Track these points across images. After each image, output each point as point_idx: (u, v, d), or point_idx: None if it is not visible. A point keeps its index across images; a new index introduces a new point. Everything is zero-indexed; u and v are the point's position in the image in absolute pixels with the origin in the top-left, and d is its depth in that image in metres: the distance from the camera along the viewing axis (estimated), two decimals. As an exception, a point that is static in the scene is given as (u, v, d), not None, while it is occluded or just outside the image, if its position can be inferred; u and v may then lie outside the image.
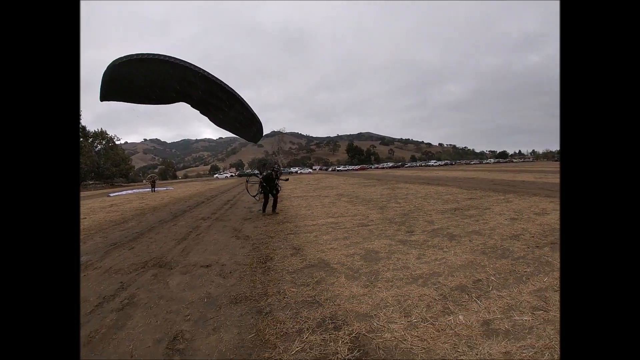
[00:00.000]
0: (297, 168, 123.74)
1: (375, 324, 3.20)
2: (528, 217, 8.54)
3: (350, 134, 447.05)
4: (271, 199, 11.78)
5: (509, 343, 2.79)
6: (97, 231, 10.00)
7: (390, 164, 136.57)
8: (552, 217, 8.38)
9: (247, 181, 14.67)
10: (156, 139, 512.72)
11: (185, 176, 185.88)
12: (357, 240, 6.83)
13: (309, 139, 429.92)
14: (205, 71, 8.60)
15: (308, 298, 3.93)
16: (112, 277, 5.33)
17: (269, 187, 11.48)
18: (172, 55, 7.97)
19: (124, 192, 35.48)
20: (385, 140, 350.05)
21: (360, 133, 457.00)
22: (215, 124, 12.25)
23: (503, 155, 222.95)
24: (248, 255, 6.15)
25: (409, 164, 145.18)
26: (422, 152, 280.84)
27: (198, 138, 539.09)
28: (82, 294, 4.54)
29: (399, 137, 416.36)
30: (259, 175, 12.22)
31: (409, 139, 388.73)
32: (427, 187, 20.21)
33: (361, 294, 3.97)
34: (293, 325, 3.25)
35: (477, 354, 2.62)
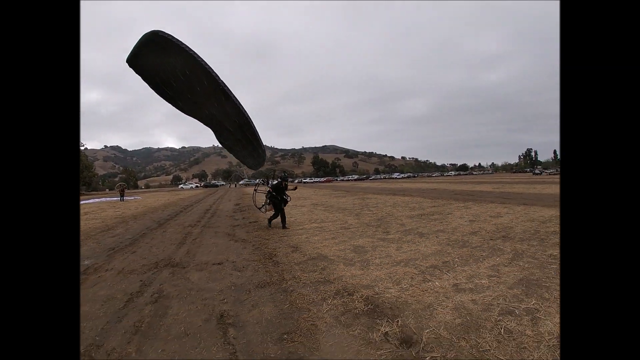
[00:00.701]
0: (262, 180, 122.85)
1: (377, 290, 4.40)
2: (484, 219, 10.16)
3: (315, 147, 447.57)
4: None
5: (473, 295, 4.06)
6: (86, 237, 10.27)
7: (355, 177, 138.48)
8: (505, 219, 10.01)
9: (255, 190, 14.07)
10: (117, 146, 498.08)
11: (147, 186, 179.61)
12: (344, 239, 8.02)
13: (274, 150, 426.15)
14: (240, 105, 8.31)
15: (320, 279, 5.03)
16: (128, 277, 5.70)
17: (279, 197, 10.56)
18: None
19: (91, 201, 35.21)
20: (349, 153, 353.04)
21: (325, 145, 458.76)
22: (220, 141, 12.16)
23: (463, 167, 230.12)
24: (253, 254, 6.99)
25: (373, 177, 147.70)
26: (386, 165, 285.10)
27: (160, 147, 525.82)
28: (106, 292, 4.89)
29: (362, 150, 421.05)
30: (267, 185, 11.66)
31: (372, 152, 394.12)
32: (394, 197, 21.75)
33: (360, 274, 5.15)
34: (316, 296, 4.33)
35: (452, 302, 3.87)
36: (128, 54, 7.49)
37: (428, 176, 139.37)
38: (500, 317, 3.43)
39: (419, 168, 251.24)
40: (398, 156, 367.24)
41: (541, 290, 4.13)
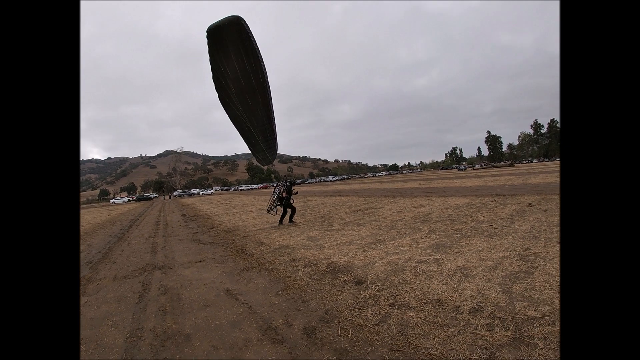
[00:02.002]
0: (197, 189, 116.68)
1: (332, 260, 6.16)
2: (409, 209, 12.46)
3: (248, 153, 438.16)
4: (289, 211, 12.20)
5: (398, 256, 5.94)
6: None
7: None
8: (426, 208, 12.40)
9: (276, 194, 13.16)
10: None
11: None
12: (297, 233, 9.72)
13: (206, 158, 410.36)
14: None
15: (289, 259, 6.65)
16: (125, 281, 6.28)
17: (290, 198, 12.05)
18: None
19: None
20: (283, 158, 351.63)
21: None
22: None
23: (394, 167, 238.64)
24: (226, 251, 8.23)
25: (309, 180, 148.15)
26: (320, 169, 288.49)
27: (84, 158, 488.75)
28: (114, 295, 5.45)
29: (296, 154, 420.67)
30: (286, 190, 12.28)
31: (306, 156, 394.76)
32: (332, 198, 23.86)
33: (317, 253, 6.88)
34: (291, 269, 5.98)
35: (384, 260, 5.71)
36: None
37: (361, 177, 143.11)
38: (417, 264, 5.34)
39: (352, 170, 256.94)
40: (331, 159, 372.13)
41: (445, 249, 6.11)
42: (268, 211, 12.72)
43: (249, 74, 7.85)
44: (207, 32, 7.23)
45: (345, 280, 4.96)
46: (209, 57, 7.73)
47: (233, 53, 7.57)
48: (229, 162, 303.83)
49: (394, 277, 4.83)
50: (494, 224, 8.19)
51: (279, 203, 12.24)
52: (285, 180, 12.84)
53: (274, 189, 13.15)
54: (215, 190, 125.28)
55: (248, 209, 21.92)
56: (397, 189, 27.59)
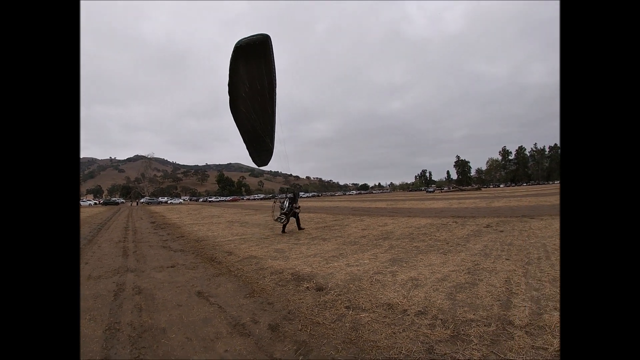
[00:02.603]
0: (166, 198, 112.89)
1: (297, 269, 6.56)
2: (374, 227, 13.02)
3: (219, 164, 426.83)
4: (292, 219, 13.50)
5: (358, 267, 6.41)
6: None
7: (262, 196, 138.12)
8: (390, 227, 12.97)
9: (281, 203, 13.81)
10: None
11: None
12: (265, 245, 10.05)
13: (176, 166, 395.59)
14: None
15: (257, 268, 6.98)
16: (99, 280, 6.43)
17: (296, 207, 13.20)
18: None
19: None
20: (255, 172, 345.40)
21: (230, 163, 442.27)
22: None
23: (364, 187, 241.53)
24: (197, 259, 8.35)
25: (279, 196, 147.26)
26: (291, 185, 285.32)
27: None
28: (90, 292, 5.58)
29: (268, 169, 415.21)
30: (287, 201, 13.21)
31: (278, 171, 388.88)
32: (301, 214, 24.01)
33: (284, 263, 7.25)
34: (259, 276, 6.33)
35: (345, 271, 6.16)
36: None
37: (331, 195, 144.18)
38: (374, 275, 5.81)
39: (323, 187, 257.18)
40: (303, 176, 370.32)
41: (401, 263, 6.62)
42: (276, 220, 12.95)
43: (265, 83, 8.84)
44: (237, 45, 8.16)
45: (307, 286, 5.36)
46: (230, 64, 8.61)
47: (256, 64, 8.53)
48: (199, 172, 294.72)
49: (351, 285, 5.27)
50: (450, 243, 8.75)
51: (287, 214, 12.82)
52: (287, 193, 13.95)
53: (276, 201, 13.89)
54: (184, 200, 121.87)
55: (217, 220, 21.99)
56: (364, 208, 28.40)
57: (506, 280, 5.14)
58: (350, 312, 4.24)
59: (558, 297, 4.32)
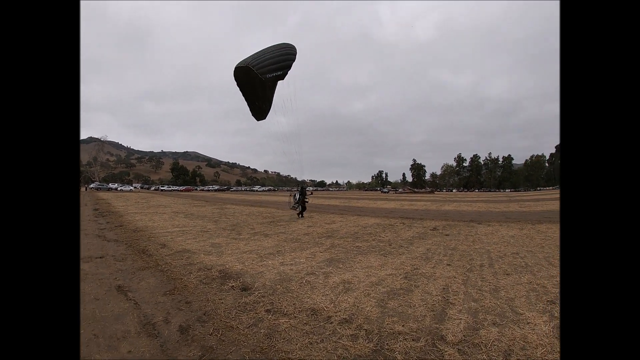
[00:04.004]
0: (117, 184, 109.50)
1: (227, 266, 6.10)
2: (320, 225, 12.72)
3: (176, 152, 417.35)
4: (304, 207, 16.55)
5: (292, 267, 6.02)
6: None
7: (216, 187, 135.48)
8: (337, 225, 12.70)
9: (292, 195, 17.72)
10: None
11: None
12: (203, 239, 9.50)
13: (130, 151, 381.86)
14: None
15: (186, 263, 6.50)
16: None
17: (304, 198, 16.47)
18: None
19: None
20: (211, 162, 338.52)
21: (187, 152, 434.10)
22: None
23: (321, 184, 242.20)
24: (128, 250, 7.95)
25: (234, 188, 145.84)
26: (248, 177, 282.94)
27: None
28: None
29: (226, 160, 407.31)
30: (297, 193, 16.80)
31: (235, 163, 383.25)
32: (251, 208, 23.81)
33: (216, 259, 6.78)
34: (185, 272, 5.85)
35: (277, 270, 5.76)
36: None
37: (288, 190, 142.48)
38: (305, 276, 5.46)
39: (281, 182, 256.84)
40: (261, 169, 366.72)
41: (338, 264, 6.29)
42: (292, 208, 16.93)
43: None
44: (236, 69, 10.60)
45: (232, 285, 4.95)
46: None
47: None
48: (154, 158, 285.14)
49: (279, 286, 4.89)
50: (393, 244, 8.57)
51: (298, 202, 16.30)
52: (299, 186, 17.64)
53: (294, 194, 17.48)
54: (135, 187, 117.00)
55: (163, 210, 21.12)
56: (317, 205, 27.95)
57: (444, 288, 4.91)
58: (270, 316, 3.86)
59: (498, 310, 4.13)
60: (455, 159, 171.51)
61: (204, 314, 3.98)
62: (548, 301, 4.41)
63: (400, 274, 5.60)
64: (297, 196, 16.63)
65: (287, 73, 10.99)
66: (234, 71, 10.68)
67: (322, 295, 4.53)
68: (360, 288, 4.84)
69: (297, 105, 11.96)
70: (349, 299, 4.38)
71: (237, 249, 7.94)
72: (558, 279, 5.40)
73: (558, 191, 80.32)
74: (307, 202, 16.87)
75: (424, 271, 5.83)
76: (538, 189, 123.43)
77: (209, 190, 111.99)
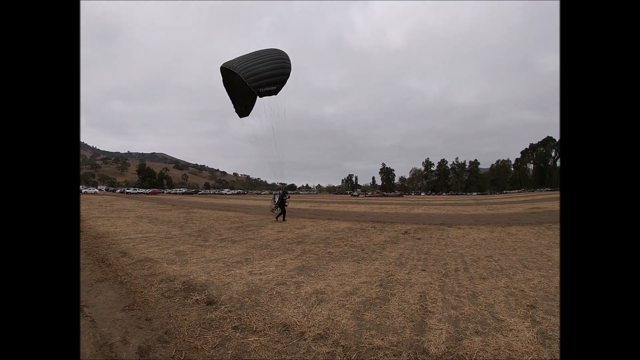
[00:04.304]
0: (81, 186, 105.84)
1: (191, 277, 5.68)
2: (290, 230, 12.39)
3: (143, 153, 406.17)
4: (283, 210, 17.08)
5: (261, 276, 5.67)
6: None
7: (184, 190, 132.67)
8: (307, 230, 12.43)
9: (274, 197, 18.14)
10: None
11: None
12: (167, 246, 9.01)
13: (96, 152, 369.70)
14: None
15: (148, 273, 6.04)
16: None
17: (284, 202, 17.05)
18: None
19: None
20: (179, 165, 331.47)
21: (154, 153, 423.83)
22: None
23: (292, 187, 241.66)
24: (86, 259, 7.43)
25: (202, 191, 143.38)
26: (217, 180, 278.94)
27: None
28: None
29: (194, 162, 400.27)
30: (277, 197, 17.45)
31: (204, 165, 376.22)
32: (219, 212, 23.12)
33: (179, 269, 6.34)
34: (146, 283, 5.40)
35: (245, 280, 5.40)
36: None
37: (257, 194, 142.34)
38: (275, 286, 5.12)
39: (250, 185, 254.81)
40: (230, 172, 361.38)
41: (310, 272, 5.98)
42: (272, 211, 17.60)
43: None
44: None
45: (197, 299, 4.57)
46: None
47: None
48: (121, 160, 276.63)
49: (247, 299, 4.54)
50: (365, 249, 8.35)
51: (277, 205, 16.96)
52: (280, 189, 18.44)
53: (274, 196, 18.09)
54: (100, 189, 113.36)
55: (126, 214, 20.30)
56: (287, 208, 27.50)
57: (421, 296, 4.71)
58: (238, 334, 3.52)
59: (478, 317, 3.96)
60: (423, 163, 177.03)
61: (166, 333, 3.61)
62: (528, 305, 4.31)
63: (375, 282, 5.36)
64: (276, 199, 17.19)
65: (280, 89, 10.69)
66: (221, 70, 10.73)
67: (294, 308, 4.21)
68: (334, 298, 4.56)
69: (266, 107, 11.74)
70: (323, 312, 4.09)
71: (203, 257, 7.52)
72: (534, 282, 5.38)
73: (523, 194, 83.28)
74: (286, 205, 17.34)
75: (399, 277, 5.62)
76: (504, 192, 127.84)
77: (176, 194, 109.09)
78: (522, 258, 7.27)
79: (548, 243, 9.39)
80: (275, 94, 10.66)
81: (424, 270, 6.17)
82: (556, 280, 5.46)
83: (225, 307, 4.24)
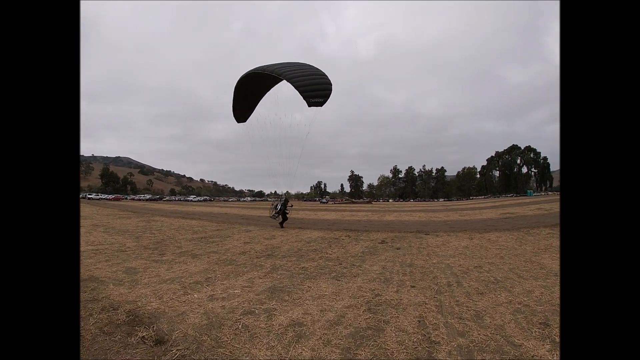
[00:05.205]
0: None
1: (139, 304, 4.65)
2: (259, 241, 11.34)
3: (107, 157, 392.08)
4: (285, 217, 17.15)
5: (224, 302, 4.69)
6: None
7: (148, 196, 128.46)
8: (277, 240, 11.43)
9: (275, 206, 17.88)
10: None
11: None
12: (117, 261, 7.84)
13: None
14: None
15: (89, 298, 4.95)
16: None
17: (285, 209, 17.05)
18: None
19: None
20: (144, 170, 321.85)
21: (119, 157, 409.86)
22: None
23: (260, 194, 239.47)
24: None
25: (167, 198, 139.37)
26: (183, 186, 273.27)
27: None
28: None
29: (160, 167, 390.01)
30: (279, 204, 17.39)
31: (170, 170, 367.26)
32: (182, 220, 21.71)
33: (126, 292, 5.27)
34: (84, 313, 4.24)
35: (204, 309, 4.42)
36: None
37: (225, 200, 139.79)
38: (242, 316, 4.17)
39: (217, 192, 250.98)
40: (197, 178, 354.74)
41: (283, 294, 5.05)
42: (272, 217, 17.41)
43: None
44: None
45: (143, 336, 3.59)
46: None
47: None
48: (84, 163, 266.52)
49: (205, 337, 3.57)
50: (343, 262, 7.57)
51: (279, 212, 16.91)
52: (281, 198, 17.99)
53: (276, 204, 17.91)
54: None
55: (81, 223, 18.82)
56: (254, 216, 26.32)
57: (419, 321, 3.96)
58: (191, 395, 2.58)
59: (492, 344, 3.39)
60: (391, 170, 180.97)
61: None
62: (540, 324, 3.79)
63: (361, 305, 4.55)
64: (279, 206, 17.16)
65: (326, 102, 10.82)
66: (247, 75, 11.53)
67: (267, 349, 3.30)
68: (316, 332, 3.67)
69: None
70: (304, 353, 3.21)
71: (157, 275, 6.43)
72: (536, 294, 4.89)
73: (490, 200, 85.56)
74: (287, 213, 17.35)
75: (388, 298, 4.85)
76: (470, 198, 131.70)
77: (139, 200, 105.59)
78: (513, 267, 6.79)
79: (533, 249, 9.03)
80: (321, 106, 10.81)
81: (413, 287, 5.42)
82: (558, 290, 4.90)
83: (178, 350, 3.29)
